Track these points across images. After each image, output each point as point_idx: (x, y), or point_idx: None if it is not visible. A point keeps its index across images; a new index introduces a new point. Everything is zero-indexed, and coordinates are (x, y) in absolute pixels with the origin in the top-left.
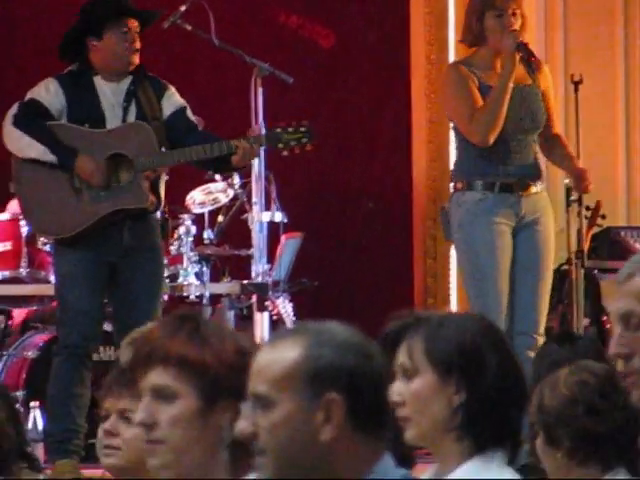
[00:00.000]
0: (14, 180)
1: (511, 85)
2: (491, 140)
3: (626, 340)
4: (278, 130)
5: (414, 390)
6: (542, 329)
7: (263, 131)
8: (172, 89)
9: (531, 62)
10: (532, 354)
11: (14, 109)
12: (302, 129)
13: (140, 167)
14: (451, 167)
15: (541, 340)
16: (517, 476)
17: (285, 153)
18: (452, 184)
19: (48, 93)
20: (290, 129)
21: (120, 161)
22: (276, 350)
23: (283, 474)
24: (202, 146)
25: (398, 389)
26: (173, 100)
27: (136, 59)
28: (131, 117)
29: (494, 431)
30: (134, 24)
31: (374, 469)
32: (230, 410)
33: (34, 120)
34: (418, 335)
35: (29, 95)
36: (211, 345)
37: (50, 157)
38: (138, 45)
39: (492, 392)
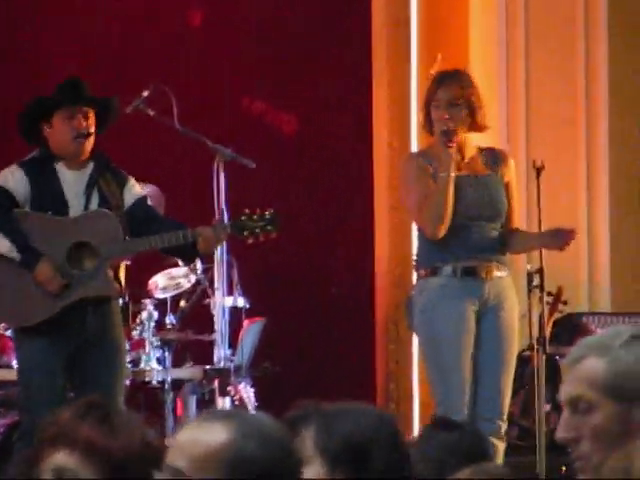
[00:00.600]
0: None
1: (452, 175)
2: (441, 233)
3: (574, 424)
4: (243, 218)
5: (307, 477)
6: (505, 415)
7: (226, 218)
8: (132, 180)
9: (496, 155)
10: (495, 440)
11: None
12: (267, 216)
13: (105, 255)
14: (413, 252)
15: (504, 426)
16: None
17: (250, 241)
18: (415, 271)
19: (14, 181)
20: (255, 216)
21: (84, 249)
22: (203, 430)
23: None
24: (166, 234)
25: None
26: (134, 191)
27: (86, 146)
28: (94, 205)
29: None
30: (83, 110)
31: None
32: None
33: (2, 211)
34: (311, 426)
35: None
36: (119, 433)
37: (14, 255)
38: (87, 131)
39: None
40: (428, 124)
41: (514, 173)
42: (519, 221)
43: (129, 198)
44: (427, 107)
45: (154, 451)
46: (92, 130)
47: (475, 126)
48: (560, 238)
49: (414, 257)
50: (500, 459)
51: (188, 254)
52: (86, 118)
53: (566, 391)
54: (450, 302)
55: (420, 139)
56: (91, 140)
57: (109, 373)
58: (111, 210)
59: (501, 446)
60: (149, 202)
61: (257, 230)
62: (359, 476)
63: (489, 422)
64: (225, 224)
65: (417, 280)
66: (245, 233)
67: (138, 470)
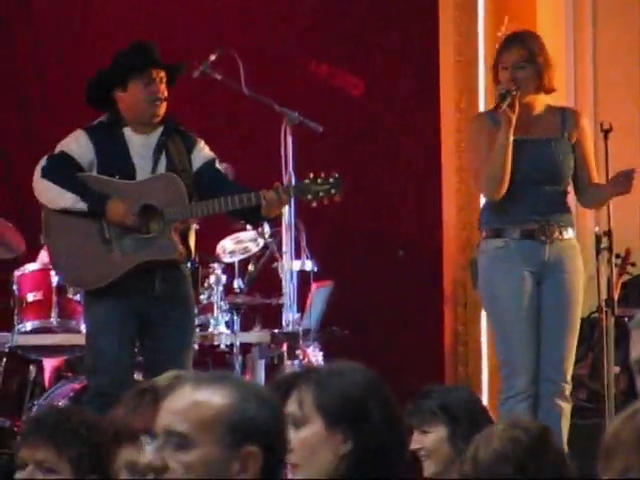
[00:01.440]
0: (44, 231)
1: (510, 138)
2: (498, 194)
3: None
4: (306, 181)
5: (303, 438)
6: (569, 377)
7: (293, 180)
8: (201, 143)
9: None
10: (559, 401)
11: (43, 161)
12: (331, 180)
13: (169, 218)
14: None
15: (568, 388)
16: None
17: (314, 204)
18: (481, 231)
19: (78, 146)
20: (319, 180)
21: (150, 212)
22: (202, 393)
23: None
24: (230, 198)
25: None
26: (203, 153)
27: (161, 110)
28: (161, 169)
29: (378, 478)
30: (159, 75)
31: None
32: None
33: (63, 171)
34: (308, 386)
35: (59, 148)
36: None
37: (81, 205)
38: (163, 96)
39: (376, 441)
40: (497, 84)
41: (588, 131)
42: (596, 177)
43: (198, 161)
44: (495, 69)
45: None
46: (167, 94)
47: (543, 88)
48: (624, 181)
49: (479, 218)
50: (567, 420)
51: (253, 217)
52: (162, 82)
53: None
54: (507, 265)
55: (488, 101)
56: (165, 104)
57: (178, 336)
58: (178, 174)
59: (567, 407)
60: (217, 165)
61: (321, 194)
62: (358, 431)
63: (553, 383)
64: (288, 187)
65: (480, 241)
66: (309, 196)
67: None
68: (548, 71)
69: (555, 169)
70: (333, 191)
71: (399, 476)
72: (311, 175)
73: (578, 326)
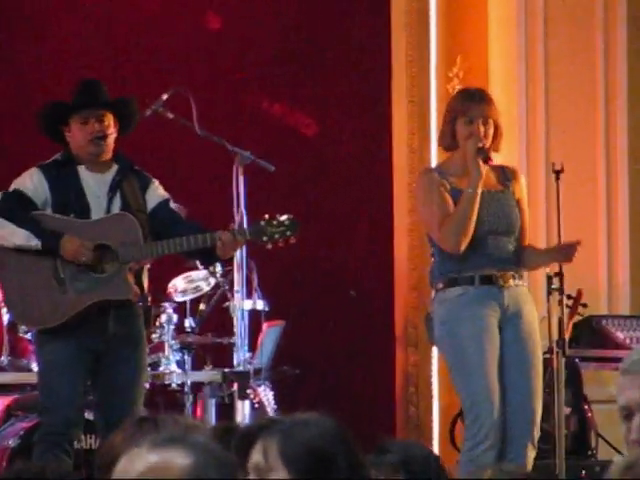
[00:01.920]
0: None
1: (479, 192)
2: (462, 247)
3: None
4: (262, 223)
5: None
6: (538, 421)
7: (245, 221)
8: (156, 182)
9: (505, 171)
10: (528, 451)
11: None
12: (286, 222)
13: (125, 259)
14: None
15: (537, 435)
16: None
17: (269, 246)
18: (432, 288)
19: (32, 183)
20: (274, 222)
21: (105, 252)
22: (165, 453)
23: None
24: (185, 238)
25: None
26: (157, 193)
27: (102, 149)
28: (115, 208)
29: None
30: (98, 113)
31: None
32: None
33: (17, 208)
34: (272, 436)
35: (13, 185)
36: None
37: (34, 242)
38: (103, 134)
39: None
40: (449, 138)
41: (525, 190)
42: (530, 237)
43: (152, 200)
44: (453, 121)
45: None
46: (109, 132)
47: (495, 146)
48: (567, 252)
49: (429, 272)
50: (529, 466)
51: (208, 258)
52: (100, 121)
53: (632, 397)
54: (471, 309)
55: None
56: (109, 142)
57: (130, 375)
58: (132, 213)
59: (533, 454)
60: (172, 205)
61: (276, 236)
62: None
63: (525, 433)
64: (244, 229)
65: (435, 293)
66: (264, 238)
67: None
68: (501, 134)
69: (509, 220)
70: (289, 233)
71: None
72: (266, 216)
73: (541, 368)
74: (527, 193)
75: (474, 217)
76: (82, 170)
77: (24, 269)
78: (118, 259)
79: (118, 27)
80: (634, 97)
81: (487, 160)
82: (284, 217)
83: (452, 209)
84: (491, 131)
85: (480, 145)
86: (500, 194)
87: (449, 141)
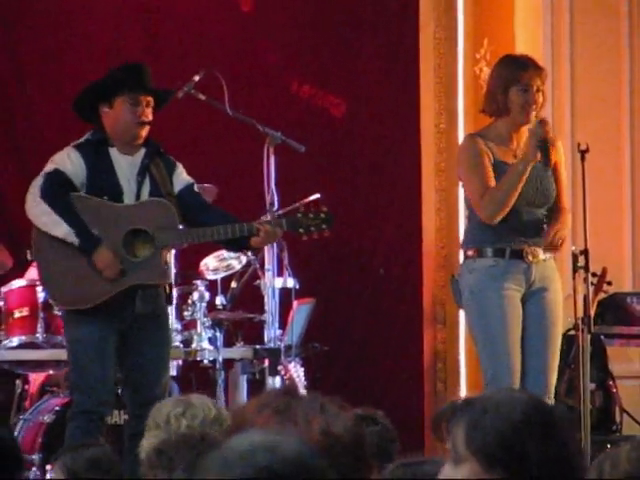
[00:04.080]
0: (34, 248)
1: (528, 169)
2: (498, 219)
3: None
4: (299, 215)
5: (460, 477)
6: (552, 393)
7: (275, 200)
8: (180, 166)
9: (548, 153)
10: None
11: (40, 180)
12: (322, 215)
13: (161, 244)
14: (459, 234)
15: (551, 403)
16: None
17: (304, 238)
18: (462, 252)
19: (72, 164)
20: (311, 215)
21: (139, 235)
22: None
23: None
24: (224, 227)
25: (447, 472)
26: (182, 177)
27: (143, 133)
28: (145, 192)
29: None
30: (146, 99)
31: None
32: None
33: (60, 195)
34: (460, 423)
35: (52, 165)
36: (296, 424)
37: (73, 239)
38: (147, 119)
39: None
40: (499, 104)
41: (562, 154)
42: (567, 201)
43: (178, 184)
44: (504, 89)
45: (334, 440)
46: (151, 118)
47: (537, 114)
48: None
49: (462, 237)
50: None
51: (240, 246)
52: (148, 106)
53: None
54: (498, 284)
55: (467, 120)
56: (148, 128)
57: (157, 353)
58: (162, 197)
59: None
60: (197, 189)
61: (312, 228)
62: (518, 473)
63: None
64: (282, 221)
65: (465, 260)
66: (300, 230)
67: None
68: (545, 97)
69: (546, 191)
70: (324, 226)
71: None
72: (302, 209)
73: (559, 344)
74: None
75: (517, 193)
76: (114, 152)
77: (61, 251)
78: (155, 243)
79: (152, 10)
80: None
81: (548, 155)
82: (320, 210)
83: (492, 181)
84: (541, 100)
85: (542, 118)
86: (538, 165)
87: (498, 108)
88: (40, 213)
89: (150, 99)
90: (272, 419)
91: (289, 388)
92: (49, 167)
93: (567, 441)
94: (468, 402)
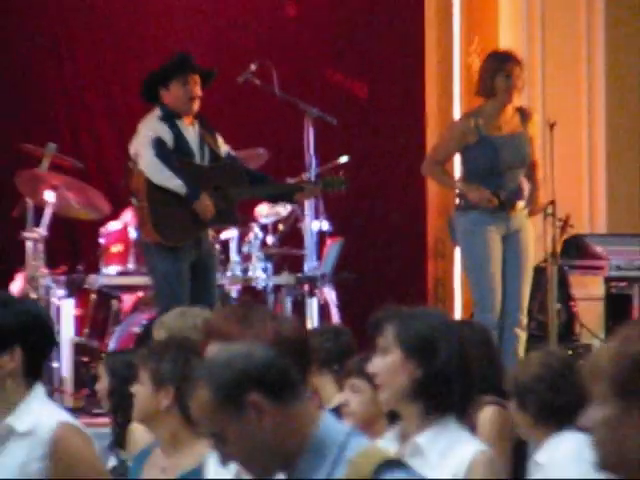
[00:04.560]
0: (143, 196)
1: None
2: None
3: None
4: (328, 179)
5: (385, 364)
6: (525, 311)
7: (313, 162)
8: (220, 137)
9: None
10: (518, 330)
11: (150, 144)
12: (342, 179)
13: (234, 197)
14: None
15: (525, 320)
16: (469, 433)
17: (330, 193)
18: (457, 200)
19: (163, 132)
20: (335, 178)
21: (219, 190)
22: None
23: None
24: (276, 185)
25: (375, 363)
26: (223, 144)
27: (195, 107)
28: (207, 155)
29: (442, 400)
30: (194, 78)
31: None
32: None
33: (169, 156)
34: (393, 323)
35: (150, 133)
36: (253, 327)
37: (182, 190)
38: (197, 95)
39: (441, 372)
40: (488, 88)
41: (536, 127)
42: (539, 168)
43: (222, 150)
44: (494, 75)
45: (282, 340)
46: (200, 94)
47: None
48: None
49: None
50: (523, 345)
51: (283, 199)
52: (196, 84)
53: None
54: (484, 228)
55: (461, 101)
56: (198, 102)
57: (212, 278)
58: (219, 160)
59: (523, 335)
60: (232, 153)
61: (336, 188)
62: (428, 364)
63: (514, 316)
64: (319, 182)
65: (458, 206)
66: (329, 189)
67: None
68: (524, 82)
69: (524, 156)
70: (343, 187)
71: (462, 401)
72: (332, 174)
73: (532, 274)
74: None
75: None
76: (180, 123)
77: (168, 200)
78: (230, 197)
79: (216, 12)
80: (611, 70)
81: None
82: (340, 175)
83: (442, 157)
84: (520, 84)
85: (524, 108)
86: (519, 134)
87: (487, 91)
88: (157, 170)
89: (197, 79)
90: (234, 326)
91: (246, 301)
92: (150, 134)
93: (464, 348)
94: (400, 310)
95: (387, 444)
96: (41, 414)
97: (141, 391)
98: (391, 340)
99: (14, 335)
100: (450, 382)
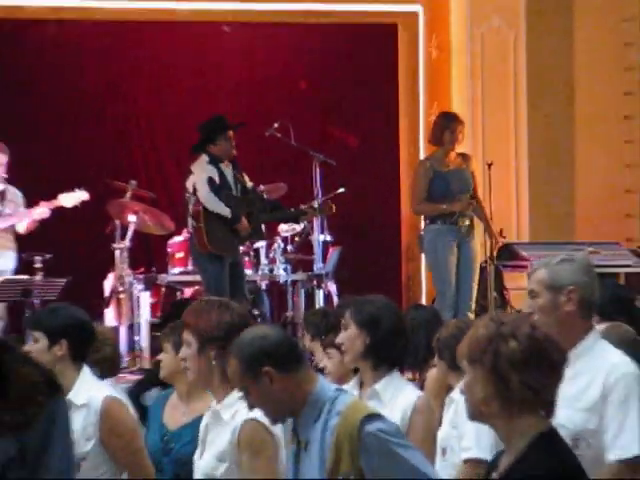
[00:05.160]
0: (200, 219)
1: (445, 208)
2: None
3: (530, 304)
4: (323, 206)
5: (346, 336)
6: (473, 297)
7: (320, 194)
8: (245, 174)
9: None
10: (468, 313)
11: (206, 182)
12: (330, 204)
13: (261, 220)
14: None
15: (472, 304)
16: (411, 384)
17: (323, 215)
18: (423, 220)
19: (213, 173)
20: (328, 205)
21: (250, 215)
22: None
23: None
24: (291, 212)
25: (340, 336)
26: (248, 181)
27: (234, 153)
28: (239, 189)
29: (386, 358)
30: (231, 133)
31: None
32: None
33: (218, 190)
34: (350, 307)
35: (204, 175)
36: (201, 317)
37: (229, 215)
38: (234, 145)
39: (384, 339)
40: (438, 139)
41: (476, 166)
42: (479, 195)
43: (248, 186)
44: (443, 130)
45: (225, 325)
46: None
47: (459, 144)
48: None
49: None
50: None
51: (290, 221)
52: (232, 137)
53: (528, 287)
54: (443, 238)
55: (425, 149)
56: (235, 150)
57: (243, 276)
58: (248, 194)
59: (471, 316)
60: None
61: (326, 212)
62: (374, 333)
63: (465, 302)
64: (316, 209)
65: (425, 224)
66: (322, 213)
67: (219, 336)
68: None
69: (468, 184)
70: (331, 212)
71: (401, 360)
72: (326, 199)
73: (478, 271)
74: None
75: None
76: (222, 165)
77: (219, 221)
78: (258, 219)
79: (252, 83)
80: (533, 119)
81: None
82: (330, 203)
83: (424, 193)
84: (461, 137)
85: (462, 152)
86: (463, 169)
87: (438, 141)
88: (212, 201)
89: (232, 133)
90: (190, 317)
91: (209, 299)
92: (204, 175)
93: (402, 322)
94: (355, 298)
95: (351, 390)
96: (92, 390)
97: (166, 358)
98: (349, 319)
99: (60, 332)
100: (390, 346)
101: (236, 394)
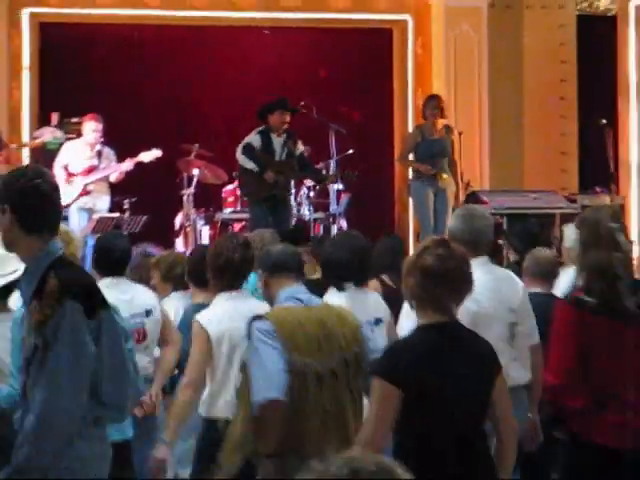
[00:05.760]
0: (240, 172)
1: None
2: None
3: None
4: (346, 172)
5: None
6: (446, 232)
7: (334, 159)
8: (299, 142)
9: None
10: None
11: (243, 145)
12: (355, 173)
13: (290, 178)
14: (409, 173)
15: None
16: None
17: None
18: (411, 174)
19: (255, 140)
20: (349, 172)
21: (279, 174)
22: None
23: None
24: (318, 173)
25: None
26: (299, 147)
27: (285, 127)
28: (284, 155)
29: (340, 275)
30: (286, 112)
31: None
32: None
33: (251, 152)
34: (318, 246)
35: (247, 140)
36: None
37: (255, 169)
38: (285, 121)
39: (335, 259)
40: (424, 115)
41: (454, 135)
42: (454, 158)
43: (298, 150)
44: (426, 108)
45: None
46: (288, 121)
47: (443, 117)
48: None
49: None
50: None
51: (319, 182)
52: (286, 115)
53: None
54: (424, 188)
55: (413, 125)
56: (286, 125)
57: (286, 213)
58: (293, 158)
59: None
60: (305, 155)
61: (349, 178)
62: (330, 270)
63: (441, 234)
64: (339, 174)
65: (412, 178)
66: (346, 179)
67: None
68: (443, 112)
69: (447, 151)
70: (354, 179)
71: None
72: (348, 169)
73: (451, 210)
74: None
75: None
76: (272, 135)
77: (251, 174)
78: (287, 177)
79: (281, 70)
80: (493, 98)
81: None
82: (354, 172)
83: (410, 150)
84: (441, 112)
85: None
86: (444, 138)
87: (425, 116)
88: (241, 158)
89: (287, 112)
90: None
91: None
92: (246, 140)
93: (368, 261)
94: (322, 236)
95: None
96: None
97: None
98: (308, 259)
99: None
100: (341, 264)
101: None
